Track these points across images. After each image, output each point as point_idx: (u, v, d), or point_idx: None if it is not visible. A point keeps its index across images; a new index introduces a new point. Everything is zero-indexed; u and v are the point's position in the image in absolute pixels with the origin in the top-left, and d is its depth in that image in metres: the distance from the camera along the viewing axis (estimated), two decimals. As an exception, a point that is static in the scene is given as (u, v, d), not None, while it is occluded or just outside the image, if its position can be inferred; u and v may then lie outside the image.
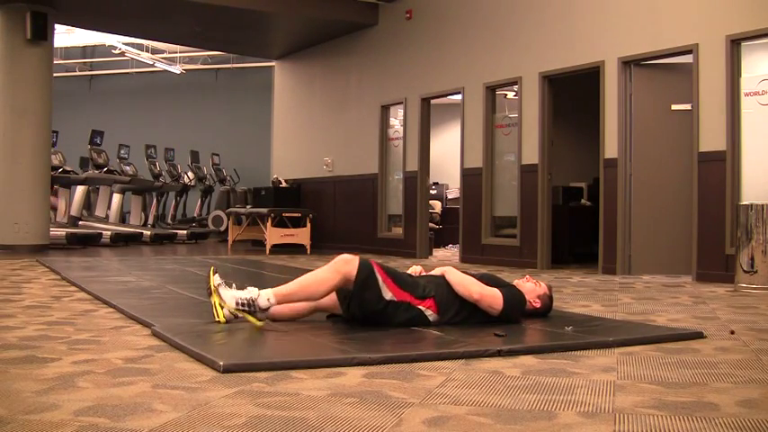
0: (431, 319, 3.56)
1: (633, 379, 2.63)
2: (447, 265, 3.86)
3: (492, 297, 3.59)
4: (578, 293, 5.64)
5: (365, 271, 3.43)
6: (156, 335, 3.37)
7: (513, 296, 3.67)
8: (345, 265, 3.43)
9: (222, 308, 3.46)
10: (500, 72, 8.87)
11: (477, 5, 9.27)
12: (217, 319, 3.48)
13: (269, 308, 3.42)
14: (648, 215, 7.49)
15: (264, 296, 3.42)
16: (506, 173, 8.94)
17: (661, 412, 2.17)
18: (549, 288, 3.94)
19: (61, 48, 17.63)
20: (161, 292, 5.08)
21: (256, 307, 3.40)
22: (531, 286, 3.85)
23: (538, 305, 3.84)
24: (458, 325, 3.56)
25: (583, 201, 9.83)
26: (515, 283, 3.82)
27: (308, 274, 3.53)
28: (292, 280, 3.52)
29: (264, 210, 10.95)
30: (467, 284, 3.60)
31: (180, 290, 5.22)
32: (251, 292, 3.44)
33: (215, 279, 3.49)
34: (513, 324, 3.63)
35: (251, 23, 11.44)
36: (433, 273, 3.81)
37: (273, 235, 10.72)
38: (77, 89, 19.35)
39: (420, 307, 3.54)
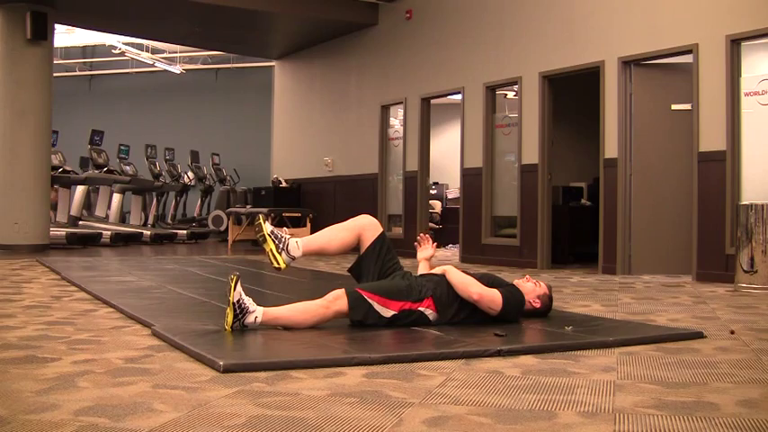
0: (431, 318, 3.57)
1: (633, 379, 2.63)
2: (447, 264, 3.86)
3: (491, 298, 3.59)
4: (578, 293, 5.64)
5: (357, 303, 3.45)
6: (156, 335, 3.38)
7: (513, 296, 3.68)
8: (336, 301, 3.45)
9: (281, 253, 3.57)
10: (500, 72, 8.87)
11: (477, 5, 9.27)
12: (276, 266, 3.60)
13: (294, 258, 3.60)
14: (648, 215, 7.49)
15: (294, 246, 3.61)
16: (506, 173, 8.93)
17: (661, 412, 2.17)
18: (549, 288, 3.94)
19: (61, 48, 17.63)
20: (161, 292, 5.08)
21: (285, 245, 3.59)
22: (531, 286, 3.85)
23: (538, 305, 3.84)
24: (458, 324, 3.57)
25: (583, 201, 9.82)
26: (515, 282, 3.82)
27: (300, 303, 3.51)
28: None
29: (264, 210, 10.95)
30: (466, 285, 3.60)
31: (180, 290, 5.22)
32: (284, 236, 3.64)
33: (267, 226, 3.61)
34: (512, 324, 3.63)
35: (251, 23, 11.44)
36: (433, 271, 3.81)
37: (273, 235, 10.69)
38: (77, 89, 19.35)
39: (420, 309, 3.55)
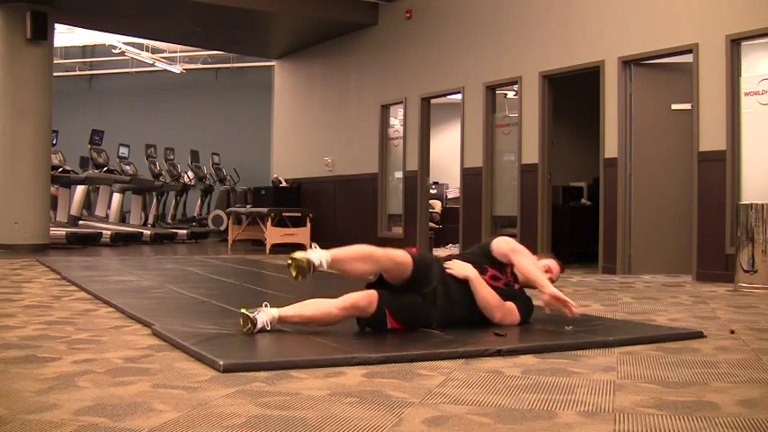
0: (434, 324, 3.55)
1: (633, 379, 2.63)
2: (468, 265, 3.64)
3: (512, 319, 3.61)
4: (578, 293, 5.63)
5: (377, 317, 3.35)
6: (156, 334, 3.38)
7: (526, 307, 3.71)
8: (364, 308, 3.31)
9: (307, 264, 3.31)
10: (500, 72, 8.87)
11: (477, 5, 9.26)
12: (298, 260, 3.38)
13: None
14: (648, 215, 7.49)
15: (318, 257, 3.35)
16: (506, 173, 8.93)
17: (661, 412, 2.17)
18: (562, 268, 3.99)
19: (61, 47, 17.61)
20: (161, 292, 5.08)
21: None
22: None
23: None
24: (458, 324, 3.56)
25: (583, 200, 9.83)
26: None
27: (318, 307, 3.36)
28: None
29: (264, 209, 10.95)
30: (491, 307, 3.56)
31: (180, 290, 5.22)
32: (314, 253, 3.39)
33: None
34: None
35: (251, 23, 11.44)
36: (452, 271, 3.59)
37: (273, 235, 10.72)
38: (77, 89, 19.34)
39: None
